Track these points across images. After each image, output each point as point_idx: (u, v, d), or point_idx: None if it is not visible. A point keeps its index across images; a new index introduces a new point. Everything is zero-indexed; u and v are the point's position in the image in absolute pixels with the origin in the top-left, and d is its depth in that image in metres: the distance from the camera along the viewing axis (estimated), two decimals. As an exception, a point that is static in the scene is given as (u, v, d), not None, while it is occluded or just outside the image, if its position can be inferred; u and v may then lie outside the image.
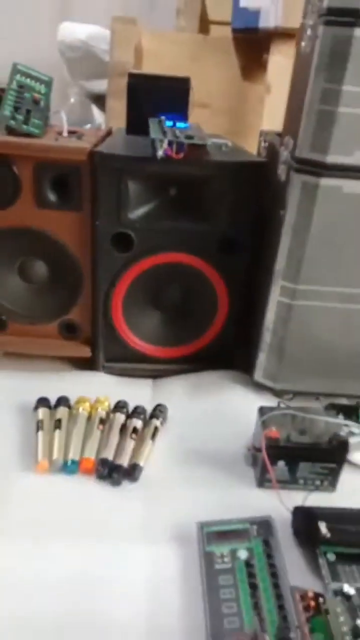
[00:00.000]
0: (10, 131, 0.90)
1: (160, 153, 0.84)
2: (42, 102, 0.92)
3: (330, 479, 0.84)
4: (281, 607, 0.63)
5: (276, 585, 0.66)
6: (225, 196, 0.93)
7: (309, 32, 0.80)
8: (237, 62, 1.30)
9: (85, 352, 1.07)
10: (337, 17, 0.73)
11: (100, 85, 1.31)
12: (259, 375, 1.01)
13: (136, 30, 1.23)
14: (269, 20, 1.19)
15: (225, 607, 0.65)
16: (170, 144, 0.83)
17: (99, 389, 1.01)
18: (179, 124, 0.93)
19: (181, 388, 1.06)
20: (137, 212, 0.94)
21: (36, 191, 0.92)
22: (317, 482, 0.84)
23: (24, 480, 0.83)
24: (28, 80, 0.92)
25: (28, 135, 0.90)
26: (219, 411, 1.00)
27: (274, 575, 0.67)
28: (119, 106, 1.14)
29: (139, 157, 0.89)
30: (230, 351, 1.08)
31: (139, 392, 1.04)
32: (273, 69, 1.21)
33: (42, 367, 1.08)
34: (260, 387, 1.03)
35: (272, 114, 1.16)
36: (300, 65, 0.85)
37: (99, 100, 1.29)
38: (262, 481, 0.84)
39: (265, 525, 0.74)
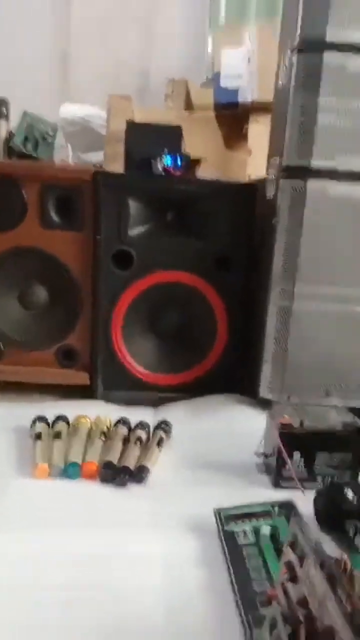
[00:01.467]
0: (21, 157, 0.98)
1: (159, 167, 0.92)
2: (49, 139, 1.02)
3: (349, 474, 0.79)
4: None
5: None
6: (220, 215, 1.00)
7: (284, 68, 0.94)
8: (219, 134, 1.47)
9: (84, 379, 1.05)
10: (307, 47, 0.87)
11: (97, 156, 1.46)
12: (264, 390, 0.99)
13: (129, 106, 1.41)
14: (246, 96, 1.38)
15: (253, 573, 0.58)
16: (169, 156, 0.91)
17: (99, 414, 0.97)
18: (178, 157, 1.02)
19: (184, 411, 1.02)
20: (137, 231, 1.00)
21: (41, 212, 0.97)
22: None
23: (21, 484, 0.76)
24: (36, 123, 1.03)
25: (37, 159, 0.98)
26: (224, 429, 0.96)
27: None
28: (116, 168, 1.25)
29: (139, 175, 0.97)
30: (233, 375, 1.07)
31: (140, 418, 0.99)
32: (253, 135, 1.37)
33: (39, 397, 1.04)
34: (266, 406, 1.00)
35: (254, 173, 1.28)
36: (279, 98, 0.97)
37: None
38: (278, 480, 0.78)
39: (287, 507, 0.69)
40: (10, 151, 1.00)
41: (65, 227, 0.99)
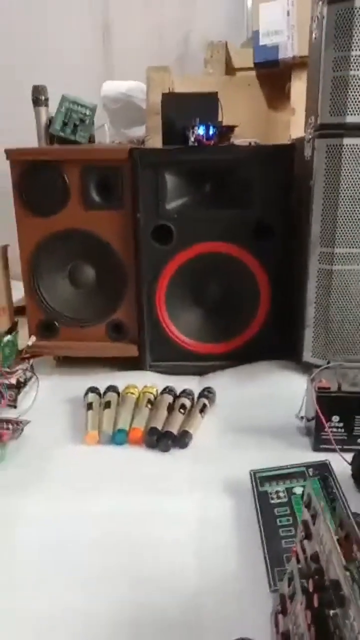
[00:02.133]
0: (61, 143, 1.02)
1: (191, 139, 0.92)
2: (87, 121, 1.05)
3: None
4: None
5: (335, 509, 0.61)
6: (257, 181, 0.99)
7: (316, 21, 0.90)
8: (262, 95, 1.43)
9: (133, 351, 1.09)
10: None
11: (139, 131, 1.47)
12: (307, 355, 1.00)
13: (168, 76, 1.40)
14: (287, 52, 1.33)
15: (283, 531, 0.60)
16: (201, 127, 0.92)
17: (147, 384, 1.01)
18: (211, 126, 1.01)
19: (228, 378, 1.04)
20: (175, 204, 1.01)
21: (83, 194, 1.01)
22: (378, 441, 0.79)
23: (72, 450, 0.83)
24: (75, 106, 1.06)
25: (76, 143, 1.02)
26: (268, 394, 0.97)
27: (334, 502, 0.62)
28: (156, 141, 1.26)
29: (173, 148, 0.98)
30: (276, 341, 1.07)
31: (186, 386, 1.03)
32: (296, 94, 1.33)
33: (93, 370, 1.11)
34: (309, 370, 1.00)
35: (298, 134, 1.24)
36: (313, 54, 0.94)
37: (140, 144, 1.44)
38: (318, 443, 0.80)
39: (322, 467, 0.70)
40: (51, 137, 1.04)
41: (107, 207, 1.02)
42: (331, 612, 0.41)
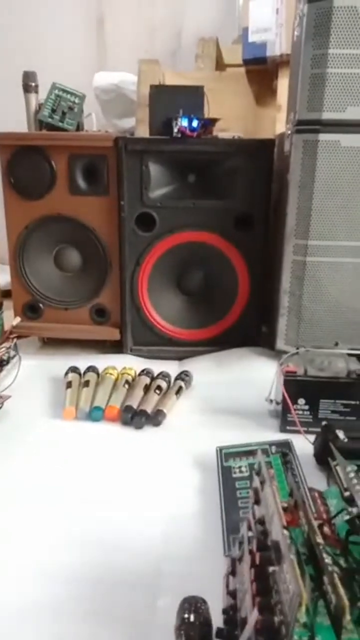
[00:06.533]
0: (49, 129, 1.05)
1: (175, 130, 0.96)
2: (75, 109, 1.08)
3: (354, 421, 0.83)
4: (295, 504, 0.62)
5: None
6: (238, 173, 1.02)
7: (298, 19, 0.93)
8: (250, 91, 1.46)
9: (115, 334, 1.13)
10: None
11: (130, 122, 1.50)
12: (280, 342, 1.03)
13: (159, 69, 1.43)
14: (274, 50, 1.36)
15: (241, 502, 0.64)
16: (185, 119, 0.95)
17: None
18: (194, 118, 1.04)
19: (206, 363, 1.08)
20: (159, 193, 1.04)
21: (69, 180, 1.04)
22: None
23: (50, 423, 0.87)
24: (64, 94, 1.08)
25: (63, 130, 1.05)
26: (243, 379, 1.01)
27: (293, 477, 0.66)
28: (146, 132, 1.28)
29: (157, 138, 1.01)
30: (254, 330, 1.11)
31: (165, 370, 1.06)
32: (282, 91, 1.36)
33: (76, 352, 1.14)
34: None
35: (283, 130, 1.27)
36: (294, 51, 0.97)
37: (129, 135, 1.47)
38: (285, 425, 0.84)
39: (284, 446, 0.74)
40: (40, 123, 1.07)
41: (92, 193, 1.05)
42: (271, 569, 0.45)
